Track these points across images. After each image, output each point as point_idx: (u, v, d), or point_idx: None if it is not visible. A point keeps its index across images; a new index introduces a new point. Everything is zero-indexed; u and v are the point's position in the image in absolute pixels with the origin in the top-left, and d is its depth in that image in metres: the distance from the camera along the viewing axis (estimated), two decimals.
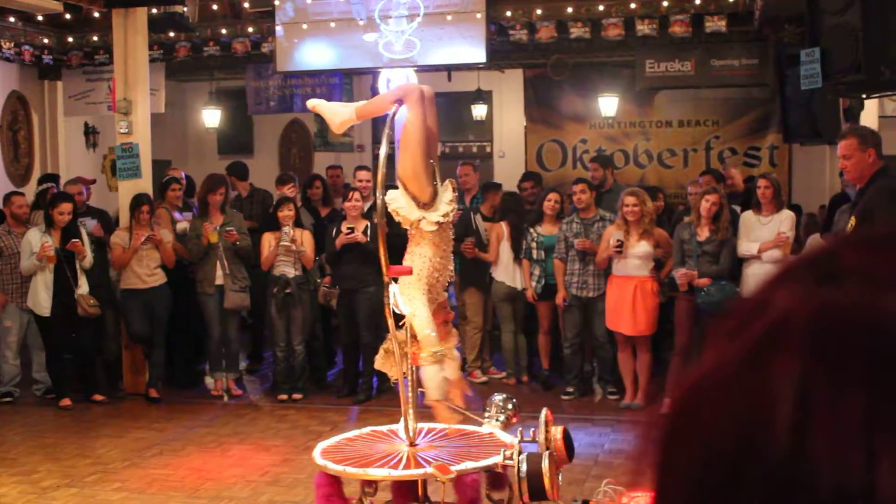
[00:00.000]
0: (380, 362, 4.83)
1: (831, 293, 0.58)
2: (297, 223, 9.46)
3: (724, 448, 0.57)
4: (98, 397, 9.46)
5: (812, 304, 0.58)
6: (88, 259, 9.29)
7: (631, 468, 0.65)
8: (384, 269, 4.49)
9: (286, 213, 9.32)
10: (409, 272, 4.56)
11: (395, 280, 4.63)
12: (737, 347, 0.59)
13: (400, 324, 4.63)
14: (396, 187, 4.71)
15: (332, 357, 10.61)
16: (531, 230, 9.46)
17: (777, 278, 0.63)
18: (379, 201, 4.58)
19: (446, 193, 4.68)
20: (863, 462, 0.52)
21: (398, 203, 4.64)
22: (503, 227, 9.70)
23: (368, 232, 8.88)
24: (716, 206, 8.49)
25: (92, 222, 9.84)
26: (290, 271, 9.35)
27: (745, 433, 0.56)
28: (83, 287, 9.25)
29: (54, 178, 11.09)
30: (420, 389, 4.74)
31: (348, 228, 9.00)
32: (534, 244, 9.42)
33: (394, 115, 4.71)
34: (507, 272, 9.68)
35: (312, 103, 5.18)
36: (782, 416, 0.54)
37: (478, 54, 10.43)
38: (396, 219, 4.71)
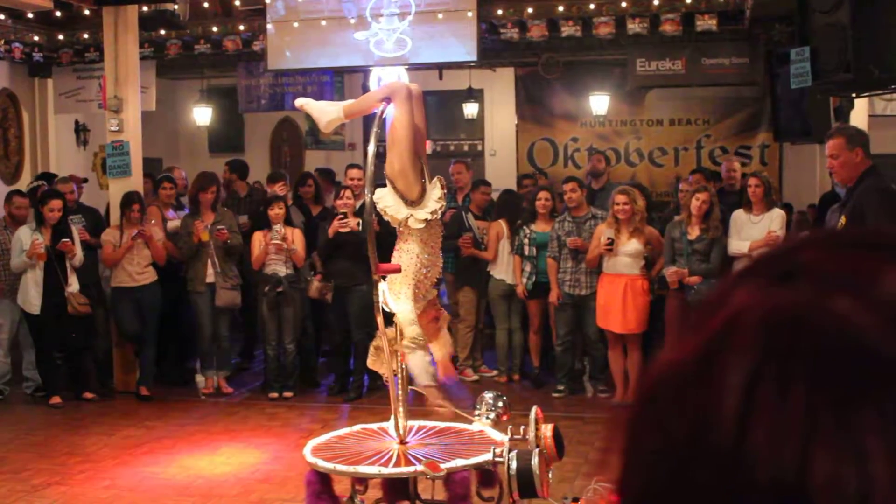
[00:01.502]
0: (371, 360, 4.84)
1: (783, 294, 0.60)
2: (288, 221, 9.45)
3: (677, 437, 0.60)
4: (88, 395, 9.44)
5: (765, 303, 0.60)
6: (79, 257, 9.27)
7: (597, 456, 0.68)
8: (373, 268, 4.50)
9: (276, 211, 9.32)
10: (398, 270, 4.57)
11: (384, 278, 4.63)
12: (694, 341, 0.62)
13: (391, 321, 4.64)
14: (385, 185, 4.71)
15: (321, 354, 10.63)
16: (524, 227, 9.48)
17: (738, 275, 0.66)
18: (367, 199, 4.59)
19: (435, 191, 4.69)
20: (798, 454, 0.54)
21: (386, 201, 4.65)
22: (502, 224, 9.72)
23: (361, 228, 8.88)
24: (706, 205, 8.51)
25: (77, 226, 9.74)
26: (282, 270, 9.34)
27: (696, 424, 0.59)
28: (74, 285, 9.23)
29: (50, 176, 11.04)
30: (410, 387, 4.76)
31: (342, 214, 8.99)
32: (526, 240, 9.44)
33: (382, 113, 4.71)
34: (507, 270, 9.69)
35: (300, 102, 5.18)
36: (728, 409, 0.57)
37: (469, 53, 10.43)
38: (385, 217, 4.71)
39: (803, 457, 0.54)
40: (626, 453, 0.64)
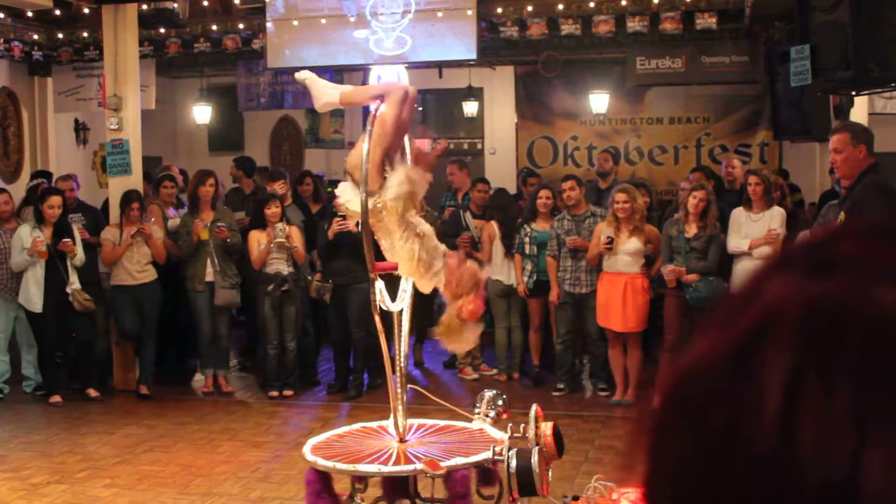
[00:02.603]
0: (441, 334, 4.66)
1: (824, 285, 0.58)
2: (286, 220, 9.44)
3: (712, 437, 0.57)
4: (93, 393, 9.38)
5: (804, 296, 0.58)
6: (80, 257, 9.25)
7: (620, 462, 0.65)
8: (370, 266, 4.48)
9: (273, 210, 9.31)
10: (394, 268, 4.55)
11: (382, 277, 4.61)
12: (727, 337, 0.59)
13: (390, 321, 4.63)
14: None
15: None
16: (525, 226, 9.46)
17: (769, 268, 0.63)
18: (362, 198, 4.50)
19: (394, 177, 4.55)
20: (849, 455, 0.52)
21: (346, 195, 4.61)
22: (494, 225, 9.70)
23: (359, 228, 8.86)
24: (703, 203, 8.50)
25: (77, 225, 9.73)
26: (284, 268, 9.33)
27: (733, 423, 0.56)
28: (75, 284, 9.22)
29: (47, 174, 11.04)
30: (410, 386, 4.74)
31: (340, 216, 8.99)
32: (527, 239, 9.43)
33: (376, 111, 4.68)
34: (502, 270, 9.68)
35: (303, 75, 5.11)
36: (771, 407, 0.54)
37: (469, 51, 10.43)
38: (346, 212, 4.68)
39: (855, 459, 0.52)
40: (655, 454, 0.62)
